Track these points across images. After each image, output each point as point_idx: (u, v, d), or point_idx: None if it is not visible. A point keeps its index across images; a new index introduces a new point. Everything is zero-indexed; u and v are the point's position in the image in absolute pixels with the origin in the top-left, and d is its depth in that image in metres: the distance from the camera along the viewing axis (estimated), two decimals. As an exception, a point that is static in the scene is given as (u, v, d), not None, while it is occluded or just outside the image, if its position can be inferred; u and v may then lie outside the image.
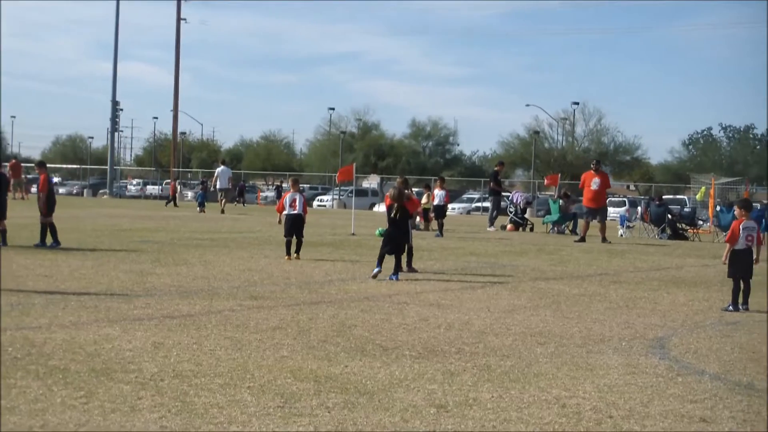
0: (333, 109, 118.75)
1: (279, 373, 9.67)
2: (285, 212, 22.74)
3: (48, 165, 26.74)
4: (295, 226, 22.57)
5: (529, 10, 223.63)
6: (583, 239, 33.52)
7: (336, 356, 10.75)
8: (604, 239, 33.36)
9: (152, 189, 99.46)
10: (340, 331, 12.43)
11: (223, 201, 54.88)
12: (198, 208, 54.19)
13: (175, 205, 60.03)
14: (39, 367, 9.51)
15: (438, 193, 36.71)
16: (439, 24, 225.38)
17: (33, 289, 15.46)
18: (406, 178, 22.52)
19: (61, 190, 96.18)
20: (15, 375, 9.12)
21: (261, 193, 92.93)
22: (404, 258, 19.70)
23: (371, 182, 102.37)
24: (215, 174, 56.78)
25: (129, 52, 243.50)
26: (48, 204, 23.94)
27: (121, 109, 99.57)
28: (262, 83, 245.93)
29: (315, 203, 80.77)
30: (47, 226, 23.70)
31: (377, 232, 31.04)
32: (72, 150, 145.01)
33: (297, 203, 22.74)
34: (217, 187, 55.96)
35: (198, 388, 8.86)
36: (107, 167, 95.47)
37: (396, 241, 19.03)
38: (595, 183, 33.54)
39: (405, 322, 13.41)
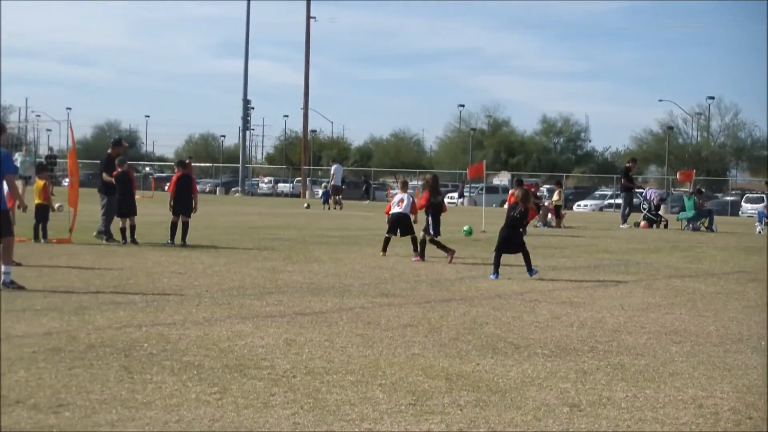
0: (463, 106, 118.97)
1: (410, 371, 9.68)
2: (392, 211, 22.87)
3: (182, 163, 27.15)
4: (399, 224, 22.60)
5: (653, 4, 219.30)
6: None
7: (467, 354, 10.73)
8: None
9: (283, 187, 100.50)
10: (472, 329, 12.40)
11: (338, 198, 56.11)
12: (323, 205, 55.50)
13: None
14: (174, 363, 9.67)
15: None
16: (560, 18, 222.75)
17: (167, 286, 15.75)
18: (436, 174, 23.78)
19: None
20: (151, 370, 9.29)
21: (391, 191, 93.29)
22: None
23: (501, 179, 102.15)
24: (332, 172, 57.81)
25: (258, 50, 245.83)
26: (173, 203, 24.32)
27: (252, 108, 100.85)
28: (388, 80, 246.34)
29: (445, 200, 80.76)
30: (174, 224, 24.08)
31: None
32: (205, 148, 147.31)
33: (404, 203, 22.78)
34: (331, 184, 57.22)
35: (330, 385, 8.92)
36: (239, 165, 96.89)
37: (513, 241, 18.79)
38: None
39: (537, 320, 13.33)
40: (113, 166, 24.76)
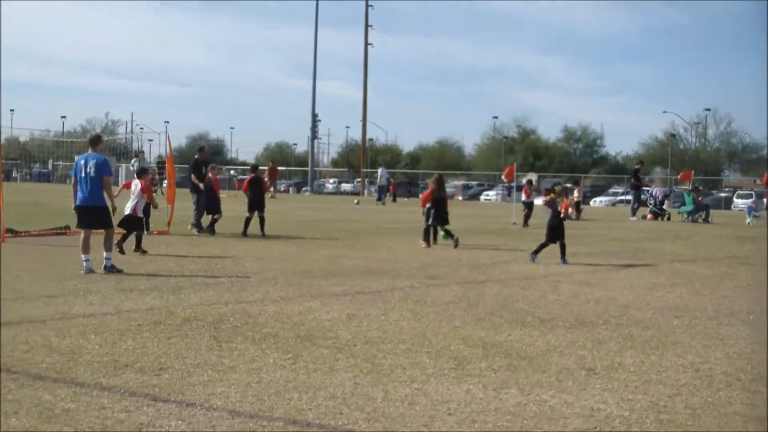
0: (496, 117, 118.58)
1: (452, 340, 9.70)
2: (428, 205, 22.82)
3: (261, 167, 27.36)
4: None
5: (657, 24, 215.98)
6: None
7: (500, 326, 10.73)
8: None
9: (345, 186, 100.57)
10: (504, 306, 12.39)
11: (384, 195, 56.93)
12: (377, 202, 55.89)
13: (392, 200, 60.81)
14: (255, 334, 9.75)
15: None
16: (578, 41, 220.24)
17: (249, 270, 15.86)
18: (441, 175, 23.96)
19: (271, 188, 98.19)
20: (236, 340, 9.38)
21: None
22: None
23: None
24: (378, 174, 58.44)
25: (325, 71, 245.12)
26: (249, 201, 24.47)
27: (320, 120, 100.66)
28: (435, 94, 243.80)
29: (482, 197, 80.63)
30: (248, 219, 24.20)
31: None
32: (279, 154, 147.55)
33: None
34: (378, 184, 58.04)
35: (385, 352, 8.96)
36: (308, 168, 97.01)
37: (560, 231, 18.69)
38: None
39: (559, 298, 13.29)
40: (200, 169, 25.11)
